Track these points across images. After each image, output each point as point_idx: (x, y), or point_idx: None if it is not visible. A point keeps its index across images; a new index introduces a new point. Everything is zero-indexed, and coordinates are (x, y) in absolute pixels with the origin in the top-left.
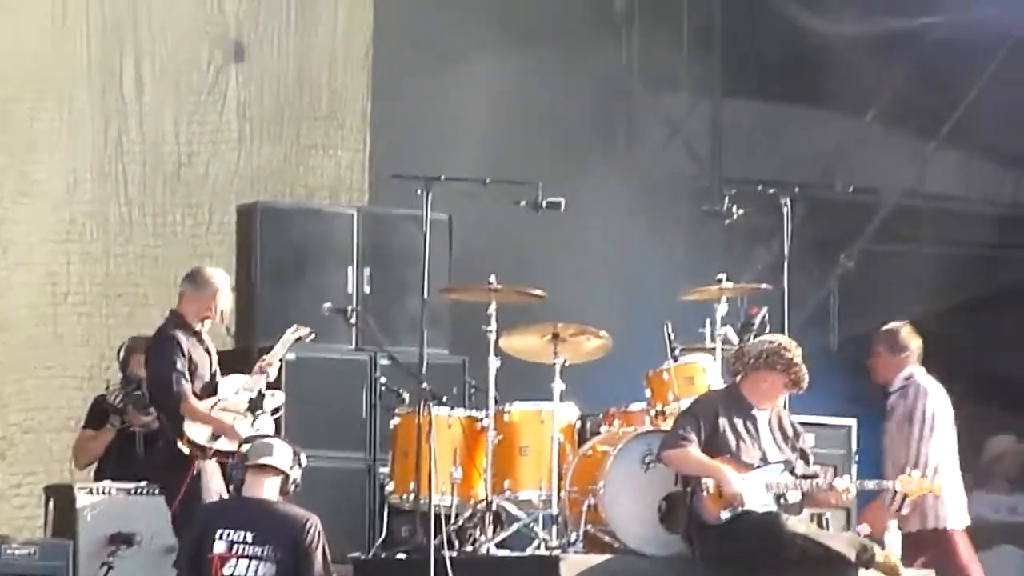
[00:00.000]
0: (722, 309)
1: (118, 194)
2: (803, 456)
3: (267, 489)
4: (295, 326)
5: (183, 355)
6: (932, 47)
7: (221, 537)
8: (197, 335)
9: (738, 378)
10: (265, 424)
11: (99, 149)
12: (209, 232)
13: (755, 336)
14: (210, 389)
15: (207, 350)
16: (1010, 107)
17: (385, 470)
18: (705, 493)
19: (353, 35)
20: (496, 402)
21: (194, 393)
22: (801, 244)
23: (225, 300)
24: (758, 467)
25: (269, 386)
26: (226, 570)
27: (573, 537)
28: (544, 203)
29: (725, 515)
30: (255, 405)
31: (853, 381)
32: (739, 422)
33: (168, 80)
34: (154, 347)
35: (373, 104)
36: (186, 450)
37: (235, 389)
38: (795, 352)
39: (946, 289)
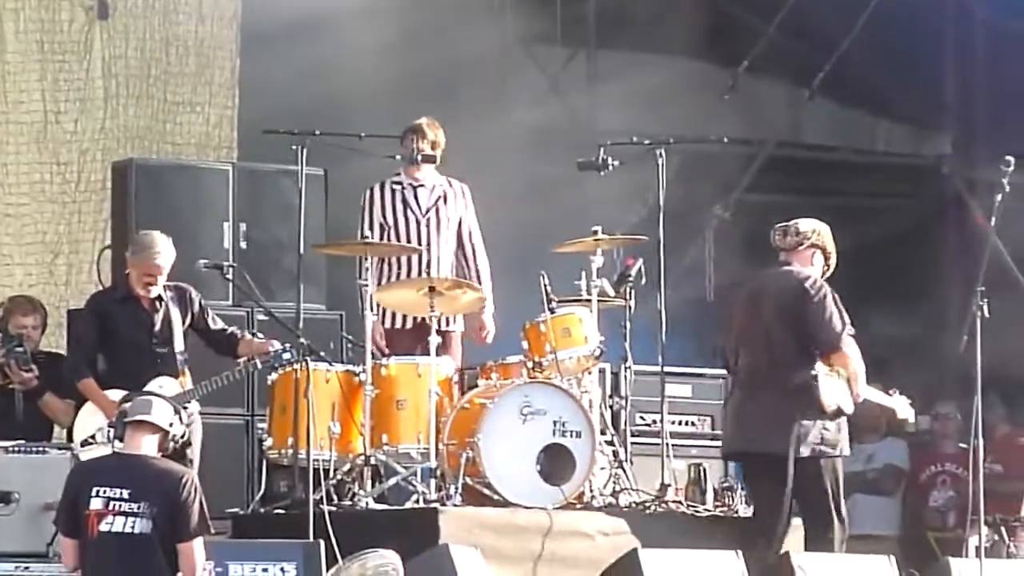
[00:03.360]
0: (598, 261)
1: None
2: None
3: (145, 446)
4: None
5: (94, 326)
6: None
7: (97, 494)
8: (136, 299)
9: (800, 260)
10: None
11: None
12: (78, 190)
13: (631, 288)
14: (145, 348)
15: (148, 313)
16: (882, 56)
17: (263, 425)
18: (832, 378)
19: None
20: (373, 356)
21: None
22: (676, 195)
23: (162, 260)
24: None
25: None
26: (103, 527)
27: (452, 490)
28: (419, 157)
29: (832, 406)
30: None
31: None
32: None
33: (31, 39)
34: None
35: (242, 60)
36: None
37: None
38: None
39: None
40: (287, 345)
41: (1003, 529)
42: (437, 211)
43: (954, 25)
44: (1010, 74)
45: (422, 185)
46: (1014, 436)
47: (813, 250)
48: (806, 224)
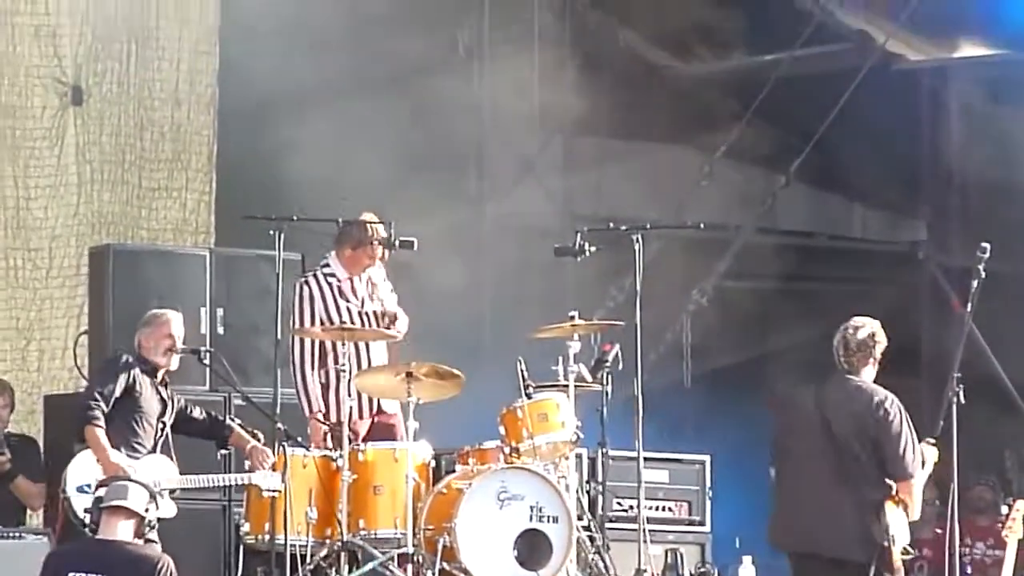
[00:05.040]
0: (575, 347)
1: None
2: None
3: (121, 531)
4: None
5: (123, 382)
6: (782, 83)
7: None
8: (154, 377)
9: (865, 369)
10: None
11: None
12: (50, 276)
13: (608, 374)
14: (155, 422)
15: (160, 395)
16: (858, 142)
17: (241, 510)
18: (894, 509)
19: (198, 76)
20: (350, 441)
21: (135, 414)
22: (654, 281)
23: (176, 326)
24: None
25: None
26: None
27: (429, 575)
28: (397, 242)
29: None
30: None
31: (708, 417)
32: None
33: (4, 125)
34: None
35: (220, 144)
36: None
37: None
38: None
39: (799, 324)
40: (278, 474)
41: None
42: (371, 299)
43: (930, 111)
44: (985, 160)
45: (354, 275)
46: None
47: (872, 357)
48: (864, 333)
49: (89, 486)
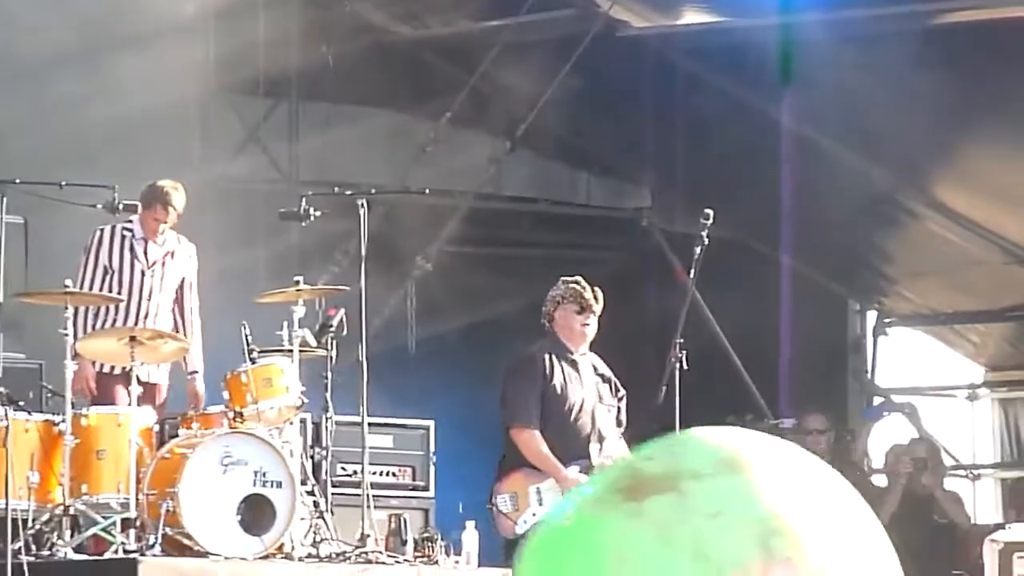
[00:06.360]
0: (300, 311)
1: None
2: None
3: None
4: None
5: None
6: (507, 49)
7: None
8: None
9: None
10: None
11: None
12: None
13: (332, 338)
14: None
15: None
16: (583, 109)
17: None
18: (495, 510)
19: None
20: (73, 406)
21: None
22: (378, 246)
23: None
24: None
25: None
26: None
27: (152, 540)
28: (121, 206)
29: (521, 528)
30: None
31: (432, 383)
32: (562, 366)
33: None
34: None
35: None
36: None
37: None
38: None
39: (523, 290)
40: None
41: None
42: (163, 265)
43: (655, 79)
44: (709, 128)
45: (150, 238)
46: None
47: (556, 308)
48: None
49: None
